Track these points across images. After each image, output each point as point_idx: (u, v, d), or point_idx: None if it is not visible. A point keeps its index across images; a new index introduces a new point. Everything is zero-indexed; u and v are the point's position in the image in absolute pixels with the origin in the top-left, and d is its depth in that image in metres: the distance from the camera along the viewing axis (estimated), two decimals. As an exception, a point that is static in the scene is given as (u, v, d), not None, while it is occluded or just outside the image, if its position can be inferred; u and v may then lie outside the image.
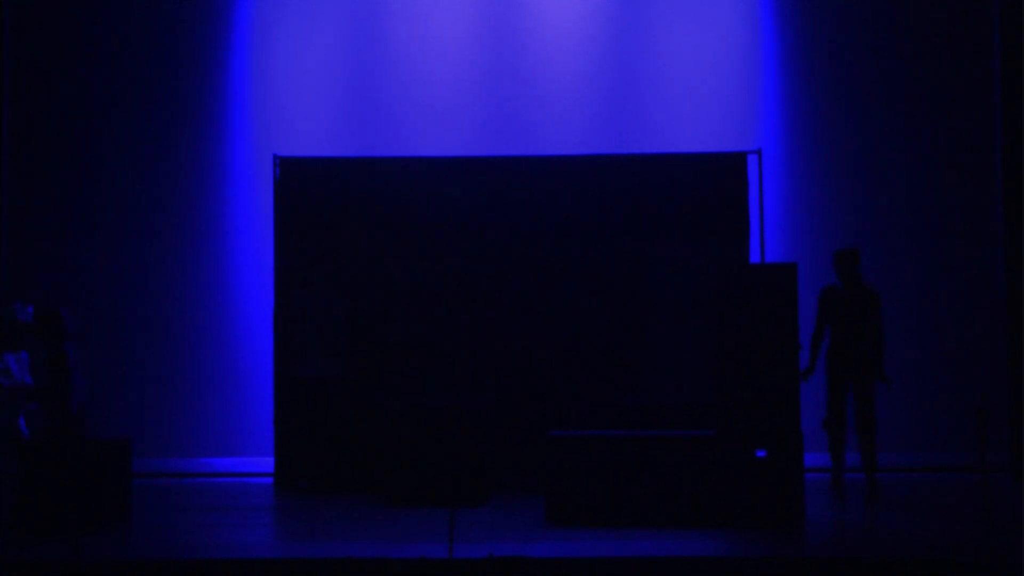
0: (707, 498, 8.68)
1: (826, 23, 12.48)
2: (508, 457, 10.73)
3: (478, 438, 9.99)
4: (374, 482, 10.55)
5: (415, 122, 12.50)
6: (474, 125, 12.46)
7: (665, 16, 12.54)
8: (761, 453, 8.63)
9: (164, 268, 12.45)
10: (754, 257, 11.22)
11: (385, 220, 11.33)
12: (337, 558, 7.26)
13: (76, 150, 12.58)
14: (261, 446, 11.91)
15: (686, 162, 11.39)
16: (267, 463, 11.52)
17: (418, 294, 11.24)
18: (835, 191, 12.35)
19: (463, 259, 11.27)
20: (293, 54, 12.65)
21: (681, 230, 11.23)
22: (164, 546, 8.09)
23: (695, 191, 11.24)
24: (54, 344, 10.17)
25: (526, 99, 12.52)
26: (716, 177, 11.26)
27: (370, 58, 12.67)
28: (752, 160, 11.28)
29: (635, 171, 11.36)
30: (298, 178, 11.40)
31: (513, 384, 11.10)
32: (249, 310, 12.22)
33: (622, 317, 11.19)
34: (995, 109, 11.73)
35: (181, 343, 12.30)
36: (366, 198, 11.37)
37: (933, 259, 12.21)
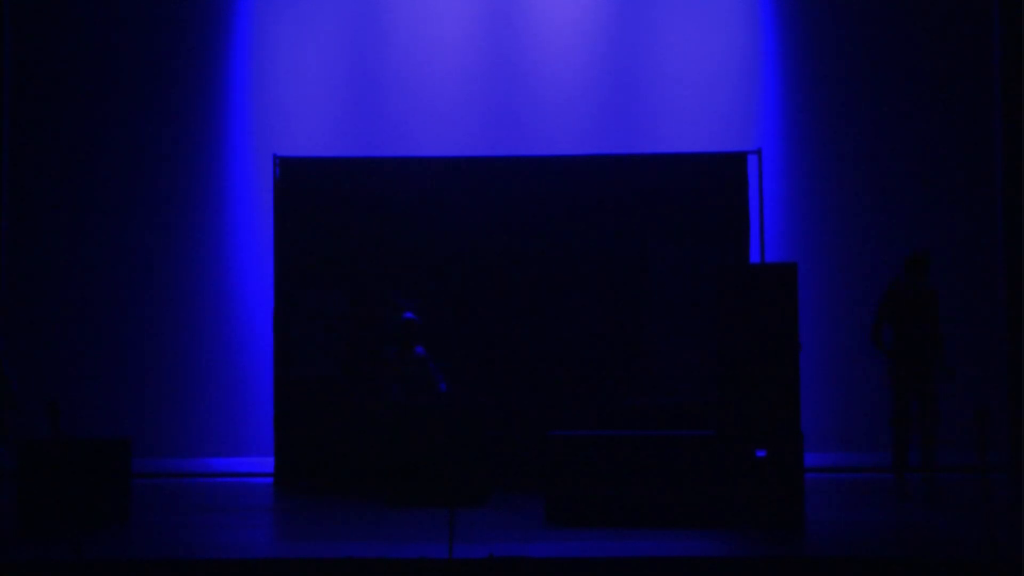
0: (707, 498, 8.67)
1: (826, 23, 12.47)
2: (508, 457, 10.73)
3: (478, 438, 9.99)
4: (374, 482, 10.55)
5: (415, 122, 12.49)
6: (474, 125, 12.46)
7: (665, 16, 12.53)
8: (761, 453, 8.62)
9: (164, 268, 12.45)
10: (754, 257, 11.22)
11: (385, 220, 11.34)
12: (337, 558, 7.26)
13: (76, 150, 12.57)
14: (261, 446, 11.91)
15: (686, 162, 11.39)
16: (267, 463, 11.52)
17: (418, 294, 11.24)
18: (835, 191, 12.35)
19: (463, 259, 11.28)
20: (293, 54, 12.64)
21: (681, 230, 11.23)
22: (164, 546, 8.09)
23: (695, 191, 11.24)
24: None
25: (526, 99, 12.52)
26: (716, 177, 11.26)
27: (370, 58, 12.66)
28: (752, 160, 11.28)
29: (635, 171, 11.36)
30: (298, 178, 11.40)
31: (513, 384, 11.10)
32: (249, 310, 12.22)
33: (622, 317, 11.19)
34: (995, 109, 11.73)
35: (181, 343, 12.30)
36: (366, 198, 11.37)
37: (933, 259, 12.18)
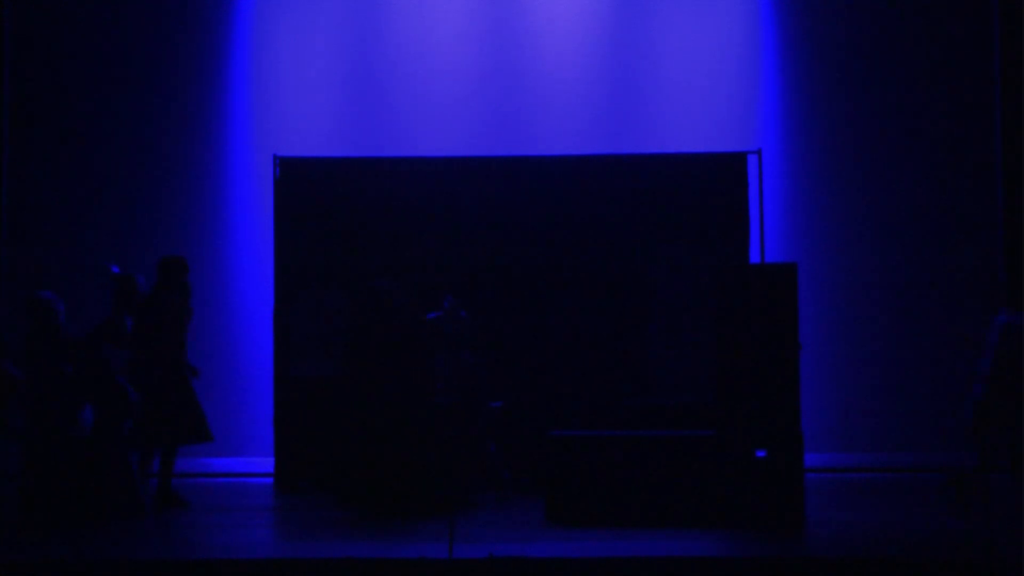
0: (707, 498, 8.67)
1: (826, 22, 12.47)
2: (508, 457, 10.71)
3: (478, 438, 9.99)
4: (374, 482, 10.53)
5: (415, 122, 12.49)
6: (474, 125, 12.45)
7: (665, 16, 12.53)
8: (761, 453, 8.62)
9: (163, 268, 12.42)
10: (754, 257, 11.22)
11: (385, 220, 11.32)
12: (337, 558, 7.26)
13: (76, 150, 12.57)
14: (261, 446, 11.90)
15: (686, 162, 11.39)
16: (267, 463, 11.52)
17: (417, 294, 11.22)
18: (835, 191, 12.35)
19: (462, 259, 11.26)
20: (293, 54, 12.64)
21: (681, 230, 11.22)
22: (165, 546, 8.09)
23: (695, 191, 11.24)
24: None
25: (526, 99, 12.52)
26: (716, 177, 11.26)
27: (370, 58, 12.66)
28: (752, 160, 11.28)
29: (635, 171, 11.35)
30: (298, 178, 11.40)
31: (513, 384, 11.09)
32: (249, 310, 12.21)
33: (622, 317, 11.18)
34: (995, 109, 11.73)
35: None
36: (366, 198, 11.36)
37: (933, 259, 12.21)
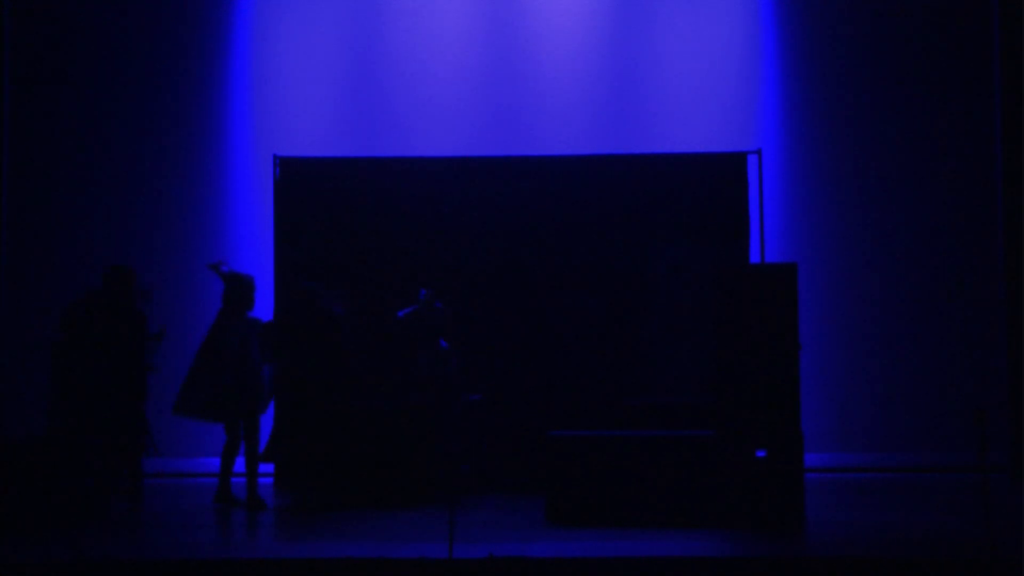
0: (707, 498, 8.67)
1: (826, 23, 12.47)
2: (508, 457, 10.72)
3: (478, 437, 10.00)
4: (374, 482, 10.54)
5: (415, 122, 12.48)
6: (474, 125, 12.45)
7: (665, 16, 12.53)
8: (761, 453, 8.62)
9: (163, 268, 12.43)
10: (754, 257, 11.22)
11: (385, 220, 11.33)
12: (337, 558, 7.26)
13: (76, 150, 12.57)
14: (261, 446, 11.87)
15: (686, 162, 11.40)
16: (267, 463, 11.50)
17: (417, 294, 11.23)
18: (835, 191, 12.35)
19: (462, 259, 11.27)
20: (293, 54, 12.64)
21: (681, 230, 11.23)
22: (164, 546, 8.09)
23: (695, 191, 11.25)
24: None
25: (526, 99, 12.51)
26: (716, 177, 11.27)
27: (370, 58, 12.66)
28: (752, 160, 11.28)
29: (635, 171, 11.36)
30: (298, 178, 11.41)
31: (513, 384, 11.10)
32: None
33: (622, 317, 11.19)
34: (995, 109, 11.73)
35: (181, 343, 12.27)
36: (366, 198, 11.37)
37: (933, 258, 12.20)
